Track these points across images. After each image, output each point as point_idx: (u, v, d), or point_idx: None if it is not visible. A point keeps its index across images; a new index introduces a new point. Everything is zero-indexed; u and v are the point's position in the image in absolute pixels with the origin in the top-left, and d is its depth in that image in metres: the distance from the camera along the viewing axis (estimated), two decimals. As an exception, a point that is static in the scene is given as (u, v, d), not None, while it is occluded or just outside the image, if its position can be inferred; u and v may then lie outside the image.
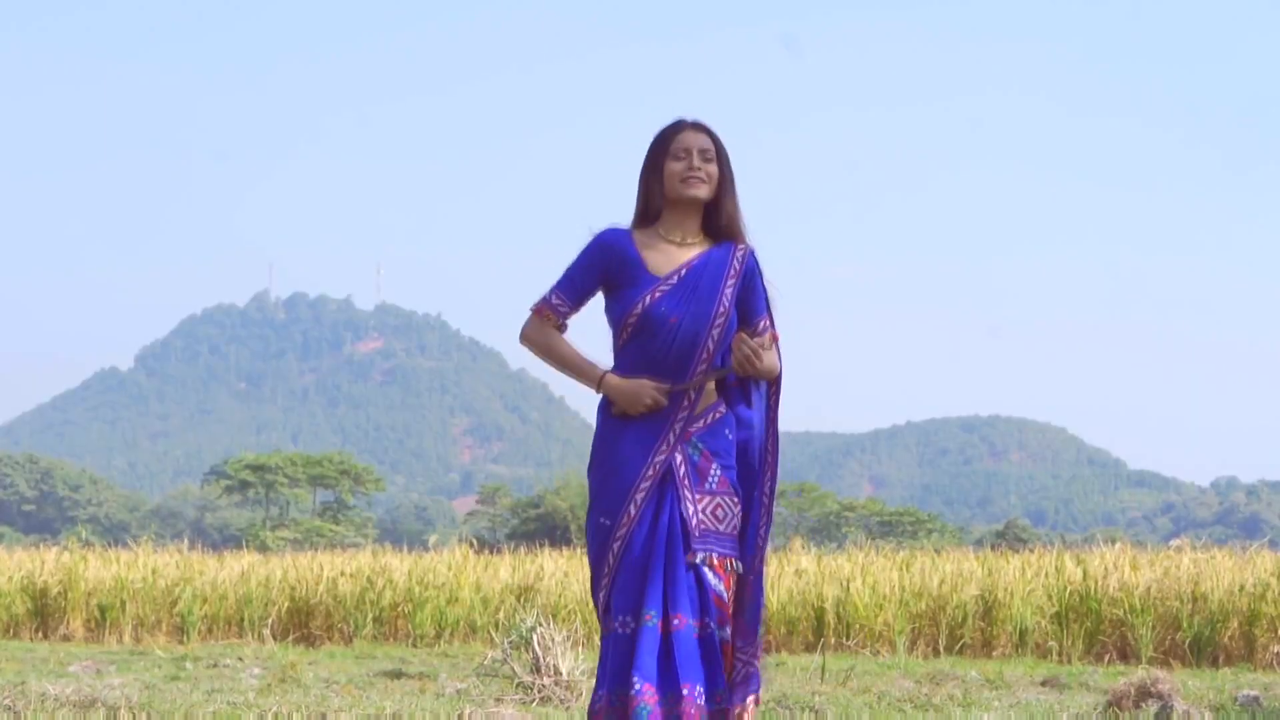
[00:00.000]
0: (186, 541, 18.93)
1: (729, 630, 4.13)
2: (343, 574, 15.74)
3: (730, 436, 4.21)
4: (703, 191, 4.20)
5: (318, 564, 16.41)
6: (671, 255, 4.21)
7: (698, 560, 4.09)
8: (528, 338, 4.29)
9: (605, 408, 4.22)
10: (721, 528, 4.17)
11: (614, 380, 4.16)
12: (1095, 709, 8.35)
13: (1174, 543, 15.36)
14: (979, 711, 8.37)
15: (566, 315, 4.28)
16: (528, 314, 4.31)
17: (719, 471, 4.18)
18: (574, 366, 4.22)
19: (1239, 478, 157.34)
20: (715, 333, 4.15)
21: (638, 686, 3.95)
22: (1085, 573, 13.89)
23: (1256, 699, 8.74)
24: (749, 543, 4.25)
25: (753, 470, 4.25)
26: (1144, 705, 8.01)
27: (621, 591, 4.06)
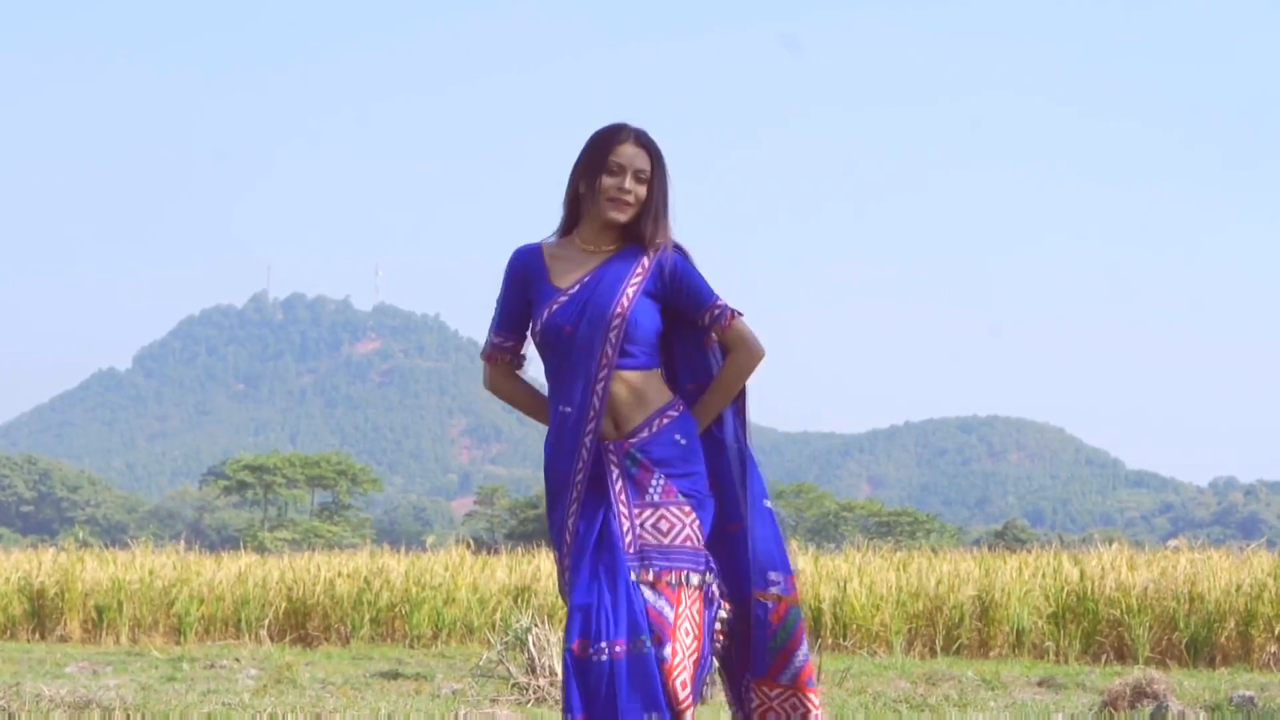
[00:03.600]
0: (184, 542, 18.93)
1: (668, 649, 3.80)
2: (340, 575, 15.74)
3: (683, 442, 3.95)
4: (625, 216, 3.97)
5: (315, 565, 16.41)
6: (579, 265, 4.00)
7: (633, 579, 3.84)
8: (493, 389, 4.20)
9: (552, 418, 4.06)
10: (667, 540, 3.88)
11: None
12: (1091, 709, 8.35)
13: (1171, 543, 15.37)
14: (974, 712, 8.37)
15: (515, 350, 4.12)
16: (483, 365, 4.21)
17: (661, 481, 3.91)
18: (537, 413, 4.13)
19: (1237, 478, 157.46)
20: (613, 336, 3.89)
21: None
22: (1082, 573, 13.89)
23: (1251, 699, 8.74)
24: (740, 562, 4.00)
25: (729, 486, 4.02)
26: (1139, 705, 8.01)
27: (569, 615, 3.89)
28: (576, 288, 3.96)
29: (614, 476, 3.92)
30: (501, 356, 4.13)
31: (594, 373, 3.92)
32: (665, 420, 3.96)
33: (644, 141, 3.99)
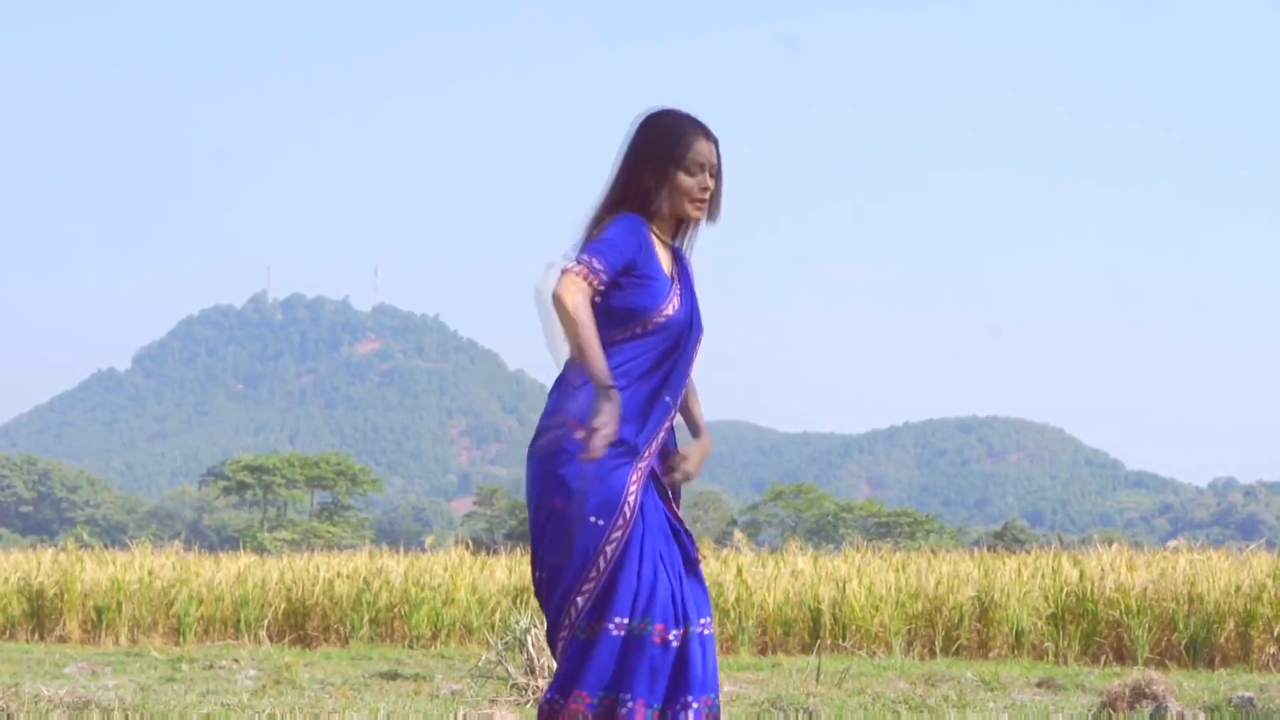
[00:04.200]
0: (183, 543, 18.95)
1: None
2: (339, 575, 15.74)
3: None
4: (701, 213, 4.02)
5: (314, 565, 16.41)
6: (664, 257, 4.01)
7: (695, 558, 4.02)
8: (571, 302, 3.76)
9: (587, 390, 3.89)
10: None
11: (616, 400, 3.77)
12: (1090, 710, 8.35)
13: (1171, 544, 15.37)
14: (973, 713, 8.37)
15: (603, 286, 3.86)
16: (561, 273, 3.81)
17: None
18: (592, 359, 3.78)
19: (1237, 478, 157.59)
20: (699, 345, 4.06)
21: (629, 704, 3.82)
22: (1082, 574, 13.89)
23: (1251, 700, 8.73)
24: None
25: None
26: (1138, 706, 8.01)
27: (627, 594, 3.85)
28: (679, 288, 4.00)
29: (650, 472, 4.00)
30: (592, 282, 3.81)
31: (689, 372, 4.05)
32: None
33: (714, 137, 4.04)
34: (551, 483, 3.88)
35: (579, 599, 3.86)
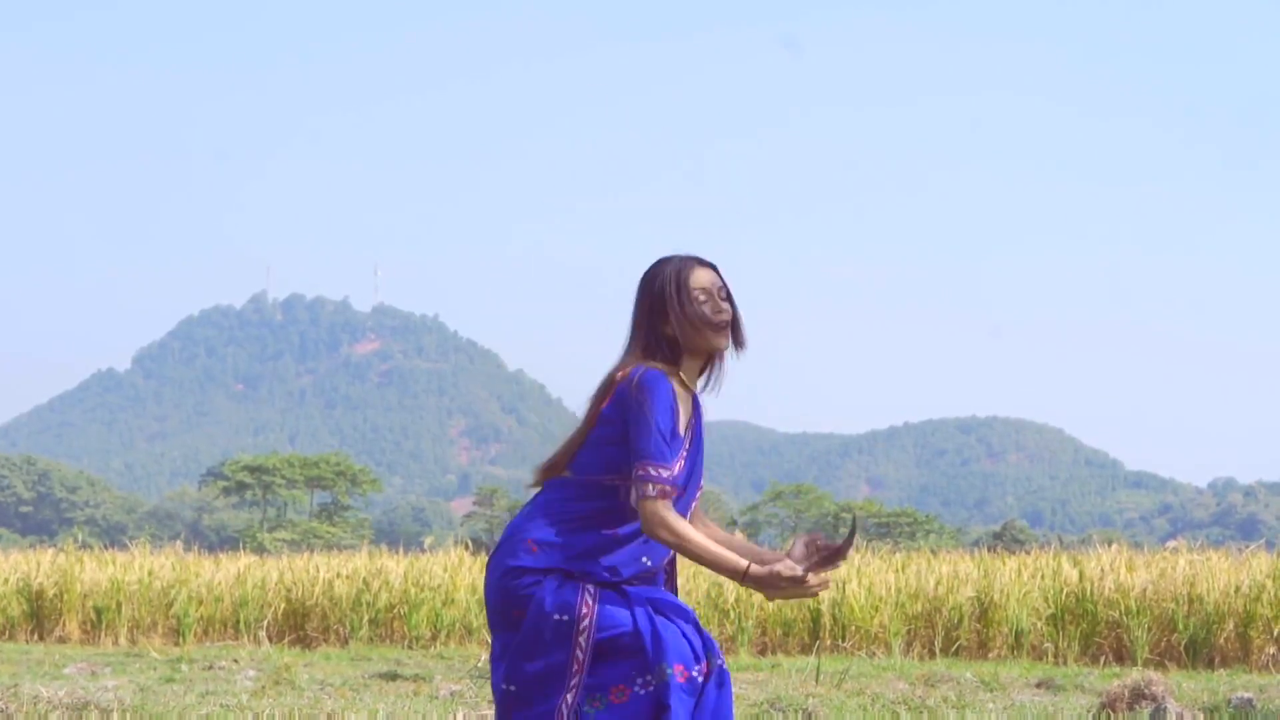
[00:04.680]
0: (183, 543, 18.94)
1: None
2: (339, 576, 15.74)
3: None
4: (726, 339, 3.87)
5: (314, 566, 16.41)
6: (682, 411, 3.83)
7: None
8: (678, 533, 3.73)
9: (584, 528, 3.82)
10: None
11: (762, 574, 3.69)
12: (1089, 711, 8.35)
13: (1170, 544, 15.36)
14: (972, 714, 8.38)
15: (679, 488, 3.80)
16: (654, 501, 3.70)
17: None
18: (720, 567, 3.74)
19: (1236, 479, 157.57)
20: (693, 504, 3.90)
21: None
22: (1081, 574, 13.89)
23: (1250, 701, 8.74)
24: None
25: None
26: (1137, 707, 8.02)
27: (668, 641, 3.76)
28: (689, 443, 3.85)
29: None
30: (673, 494, 3.74)
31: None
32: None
33: (708, 263, 3.94)
34: (508, 596, 3.77)
35: (569, 695, 3.71)
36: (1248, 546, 15.16)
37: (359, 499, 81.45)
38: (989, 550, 18.07)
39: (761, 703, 8.77)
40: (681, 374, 3.85)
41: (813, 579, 3.68)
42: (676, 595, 3.97)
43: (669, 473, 3.71)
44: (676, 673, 3.70)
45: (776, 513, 78.22)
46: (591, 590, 3.73)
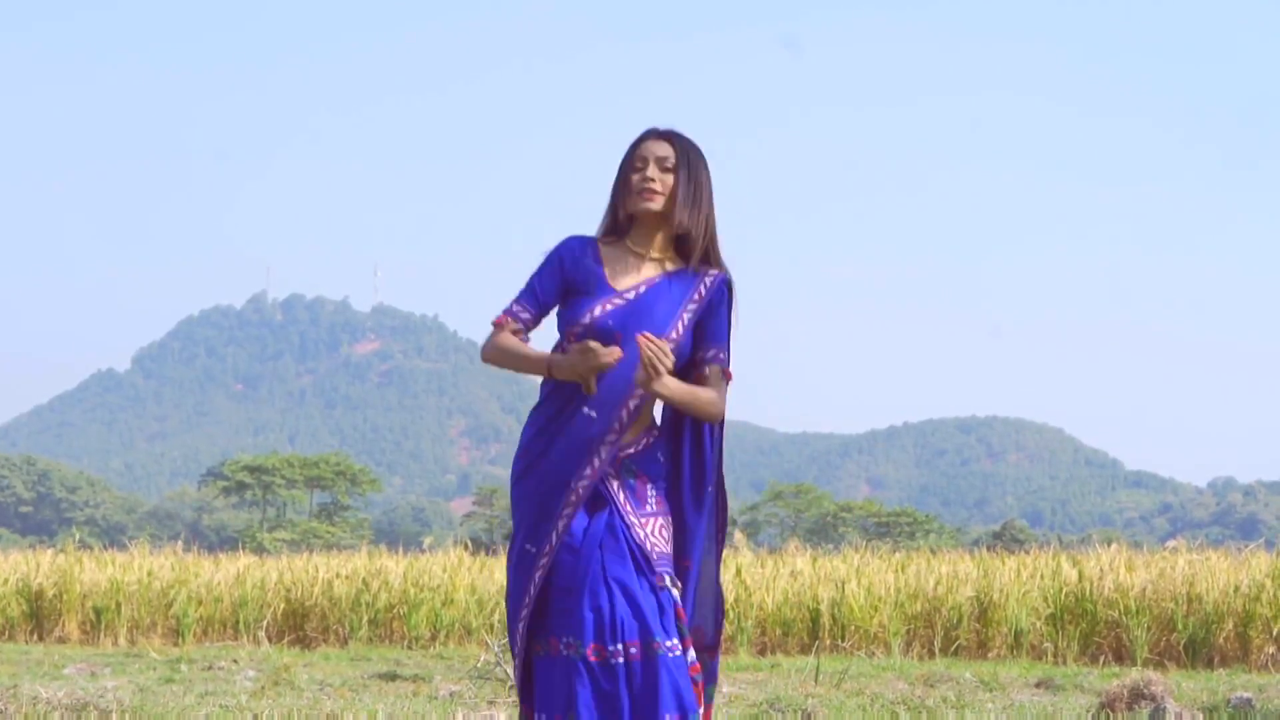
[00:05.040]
0: (182, 543, 18.93)
1: (691, 652, 3.87)
2: (338, 576, 15.73)
3: (663, 460, 3.97)
4: (655, 204, 3.94)
5: (313, 566, 16.40)
6: (634, 269, 3.96)
7: (667, 583, 3.86)
8: (493, 347, 3.99)
9: (533, 414, 3.99)
10: (668, 548, 3.93)
11: (559, 356, 3.88)
12: (1089, 711, 8.35)
13: (1170, 544, 15.35)
14: (971, 714, 8.38)
15: (528, 324, 4.00)
16: (490, 333, 4.02)
17: (655, 493, 3.93)
18: (521, 355, 3.93)
19: (1236, 478, 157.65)
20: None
21: None
22: (1081, 574, 13.88)
23: (1249, 701, 8.74)
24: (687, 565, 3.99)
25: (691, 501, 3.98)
26: (1136, 707, 8.02)
27: (559, 615, 3.82)
28: (633, 294, 3.93)
29: (614, 485, 3.91)
30: (512, 325, 3.98)
31: (631, 388, 3.88)
32: (651, 438, 3.97)
33: (667, 134, 4.01)
34: (512, 507, 4.00)
35: (520, 625, 3.87)
36: (1247, 546, 15.16)
37: (359, 499, 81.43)
38: (989, 550, 18.07)
39: (761, 703, 8.77)
40: (629, 241, 3.99)
41: (598, 347, 3.79)
42: (695, 500, 3.96)
43: (516, 304, 3.98)
44: (590, 651, 3.79)
45: (776, 512, 78.20)
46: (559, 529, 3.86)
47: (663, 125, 4.04)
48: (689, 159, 3.99)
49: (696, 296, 3.95)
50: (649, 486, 3.93)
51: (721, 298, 3.98)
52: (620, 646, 3.78)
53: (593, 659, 3.78)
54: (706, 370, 3.96)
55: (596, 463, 3.87)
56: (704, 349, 3.97)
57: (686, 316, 3.93)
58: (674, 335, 3.90)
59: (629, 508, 3.89)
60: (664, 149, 3.97)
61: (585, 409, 3.89)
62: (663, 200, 3.96)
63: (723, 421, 4.00)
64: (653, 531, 3.90)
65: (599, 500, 3.90)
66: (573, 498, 3.86)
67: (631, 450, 3.94)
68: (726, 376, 3.97)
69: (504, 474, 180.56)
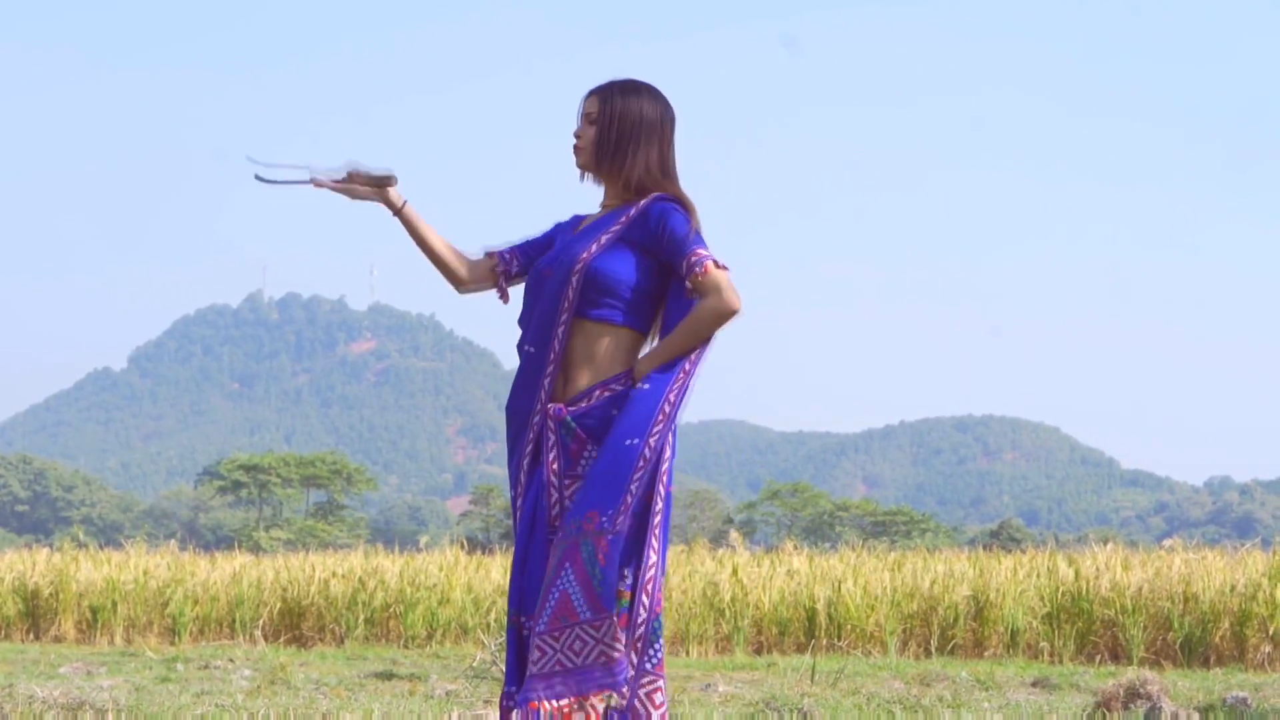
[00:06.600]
0: (179, 542, 18.92)
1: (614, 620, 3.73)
2: (334, 575, 15.72)
3: (616, 414, 3.80)
4: (579, 159, 3.97)
5: (309, 565, 16.39)
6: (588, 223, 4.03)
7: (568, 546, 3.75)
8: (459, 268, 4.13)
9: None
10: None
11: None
12: (1085, 710, 8.35)
13: (1166, 543, 15.36)
14: (968, 713, 8.38)
15: (506, 264, 4.06)
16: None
17: (593, 453, 3.80)
18: (446, 257, 4.07)
19: (1232, 477, 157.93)
20: (574, 280, 3.83)
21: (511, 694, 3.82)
22: (1077, 573, 13.89)
23: (1245, 700, 8.74)
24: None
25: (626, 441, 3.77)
26: (1132, 706, 8.02)
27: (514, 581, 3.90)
28: (572, 237, 3.98)
29: (550, 444, 3.85)
30: (491, 259, 4.09)
31: (556, 316, 3.86)
32: (606, 393, 3.84)
33: (598, 88, 4.00)
34: None
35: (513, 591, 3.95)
36: (1243, 545, 15.17)
37: (355, 498, 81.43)
38: (985, 549, 18.08)
39: (757, 702, 8.78)
40: (602, 202, 4.02)
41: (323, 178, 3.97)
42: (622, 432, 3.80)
43: (508, 248, 4.10)
44: (513, 619, 3.89)
45: (773, 511, 78.17)
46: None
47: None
48: (612, 106, 3.95)
49: (623, 219, 3.90)
50: (587, 447, 3.82)
51: (664, 209, 3.88)
52: (530, 620, 3.81)
53: (517, 625, 3.85)
54: (691, 285, 3.83)
55: (543, 395, 3.88)
56: (680, 263, 3.84)
57: (605, 238, 3.87)
58: (584, 255, 3.85)
59: (555, 469, 3.84)
60: (591, 104, 3.98)
61: (526, 346, 3.95)
62: (586, 154, 3.97)
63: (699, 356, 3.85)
64: (570, 495, 3.82)
65: (539, 469, 3.90)
66: (530, 434, 3.89)
67: (575, 407, 3.85)
68: (714, 269, 3.81)
69: (500, 473, 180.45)
